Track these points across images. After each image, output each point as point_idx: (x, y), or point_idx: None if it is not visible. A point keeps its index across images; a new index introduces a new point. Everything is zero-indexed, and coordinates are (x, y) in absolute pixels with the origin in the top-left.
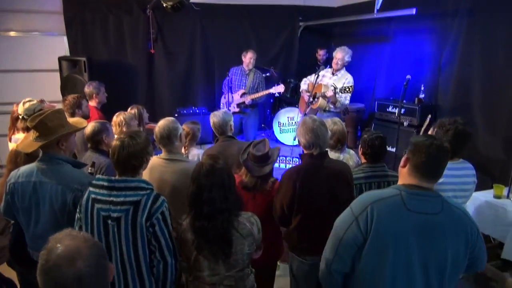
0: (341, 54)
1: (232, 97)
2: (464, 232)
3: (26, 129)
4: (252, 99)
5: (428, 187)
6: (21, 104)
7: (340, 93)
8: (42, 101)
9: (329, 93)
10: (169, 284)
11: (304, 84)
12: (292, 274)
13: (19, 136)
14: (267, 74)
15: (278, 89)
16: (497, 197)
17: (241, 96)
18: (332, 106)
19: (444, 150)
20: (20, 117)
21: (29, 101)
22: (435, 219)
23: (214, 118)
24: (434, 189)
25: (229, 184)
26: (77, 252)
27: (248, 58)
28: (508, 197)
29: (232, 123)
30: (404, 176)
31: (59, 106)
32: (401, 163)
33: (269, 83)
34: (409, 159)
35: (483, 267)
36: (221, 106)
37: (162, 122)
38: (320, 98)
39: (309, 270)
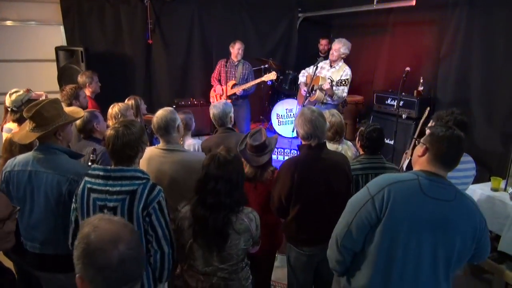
0: (337, 45)
1: (222, 89)
2: (473, 222)
3: (17, 121)
4: (244, 90)
5: (444, 175)
6: (7, 96)
7: (337, 86)
8: (28, 91)
9: (326, 85)
10: (166, 274)
11: (303, 77)
12: (290, 265)
13: (10, 125)
14: (266, 66)
15: (270, 76)
16: (495, 189)
17: (231, 87)
18: (329, 99)
19: (463, 140)
20: (9, 109)
21: (15, 92)
22: (448, 207)
23: (214, 109)
24: None
25: (237, 181)
26: (119, 236)
27: (236, 49)
28: (505, 189)
29: (232, 114)
30: (422, 164)
31: (51, 96)
32: (418, 152)
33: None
34: (428, 149)
35: (485, 258)
36: (211, 99)
37: (160, 112)
38: (317, 91)
39: (307, 261)
